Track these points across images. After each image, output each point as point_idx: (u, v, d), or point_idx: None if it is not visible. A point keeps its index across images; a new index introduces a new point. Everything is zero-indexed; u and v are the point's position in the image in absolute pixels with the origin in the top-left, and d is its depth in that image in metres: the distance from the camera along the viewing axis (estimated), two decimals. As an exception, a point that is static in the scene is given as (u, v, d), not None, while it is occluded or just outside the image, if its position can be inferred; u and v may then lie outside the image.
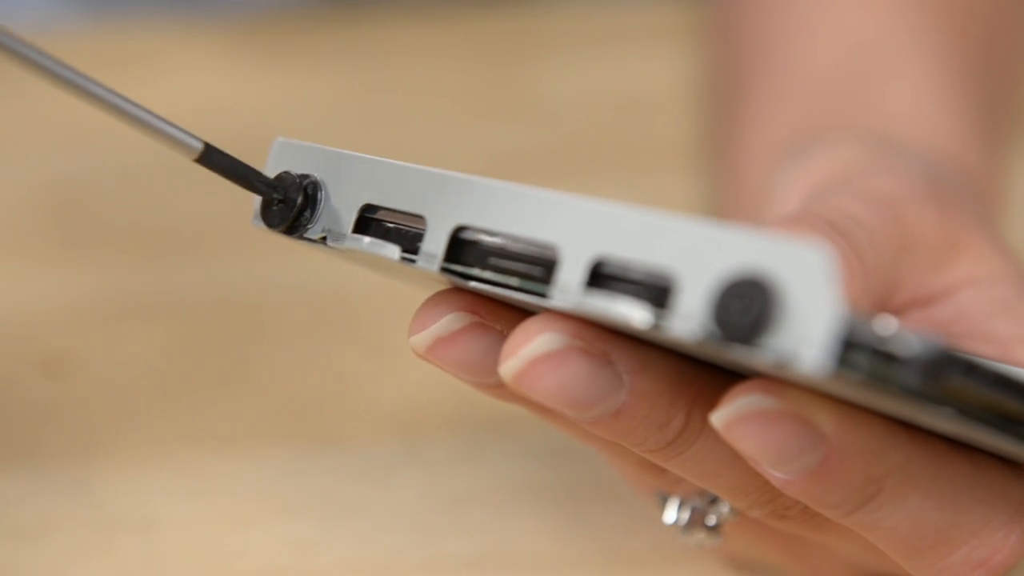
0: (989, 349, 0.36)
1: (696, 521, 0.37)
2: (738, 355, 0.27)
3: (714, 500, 0.37)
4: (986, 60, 0.50)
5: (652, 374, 0.31)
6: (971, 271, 0.36)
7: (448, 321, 0.32)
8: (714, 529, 0.37)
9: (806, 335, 0.26)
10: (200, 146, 0.31)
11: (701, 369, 0.32)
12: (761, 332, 0.26)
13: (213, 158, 0.31)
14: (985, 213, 0.41)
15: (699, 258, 0.27)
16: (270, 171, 0.33)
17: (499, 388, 0.32)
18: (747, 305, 0.26)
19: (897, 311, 0.37)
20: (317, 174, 0.33)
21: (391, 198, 0.32)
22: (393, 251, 0.32)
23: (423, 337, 0.33)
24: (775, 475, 0.31)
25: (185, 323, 0.51)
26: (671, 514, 0.37)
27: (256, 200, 0.33)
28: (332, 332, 0.51)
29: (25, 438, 0.46)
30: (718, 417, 0.30)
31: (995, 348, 0.36)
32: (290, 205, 0.33)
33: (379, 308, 0.50)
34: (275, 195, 0.33)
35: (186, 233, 0.56)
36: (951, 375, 0.27)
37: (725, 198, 0.50)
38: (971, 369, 0.27)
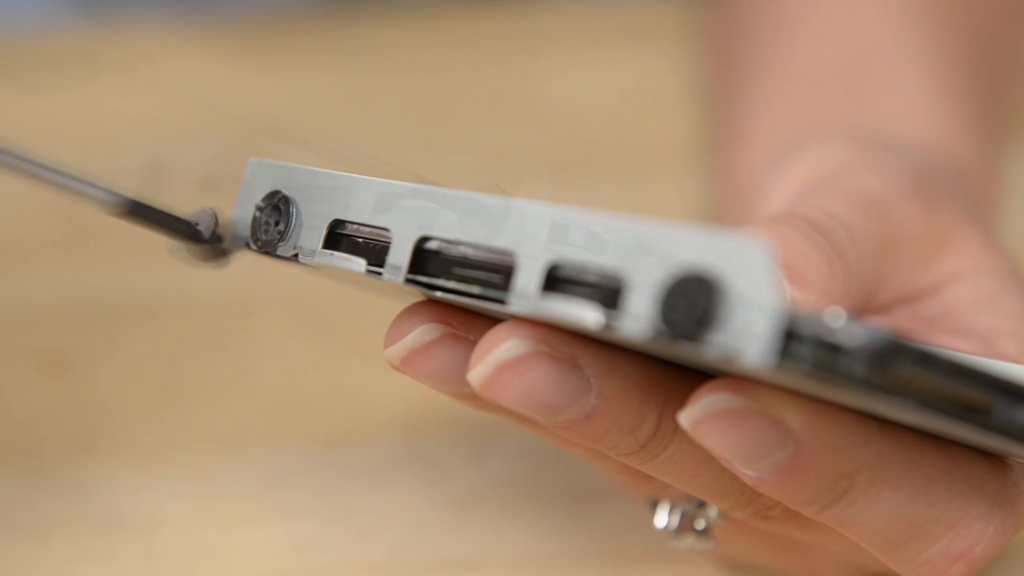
0: (974, 343, 0.36)
1: (686, 525, 0.37)
2: (687, 352, 0.27)
3: (703, 504, 0.37)
4: (985, 60, 0.50)
5: (620, 377, 0.31)
6: (958, 266, 0.37)
7: (420, 332, 0.33)
8: (704, 532, 0.37)
9: (750, 329, 0.26)
10: (119, 200, 0.30)
11: (671, 371, 0.32)
12: (706, 328, 0.27)
13: (138, 212, 0.31)
14: (978, 209, 0.42)
15: (646, 258, 0.27)
16: (247, 189, 0.34)
17: (475, 398, 0.32)
18: (692, 302, 0.27)
19: (884, 308, 0.37)
20: (289, 192, 0.33)
21: (358, 212, 0.32)
22: (359, 265, 0.32)
23: (397, 350, 0.33)
24: (747, 473, 0.31)
25: (184, 323, 0.51)
26: (661, 519, 0.37)
27: (234, 217, 0.34)
28: (331, 332, 0.51)
29: (25, 438, 0.46)
30: (685, 417, 0.30)
31: (980, 342, 0.36)
32: (263, 225, 0.33)
33: (378, 309, 0.50)
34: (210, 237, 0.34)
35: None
36: (901, 364, 0.27)
37: (721, 199, 0.50)
38: (924, 359, 0.28)
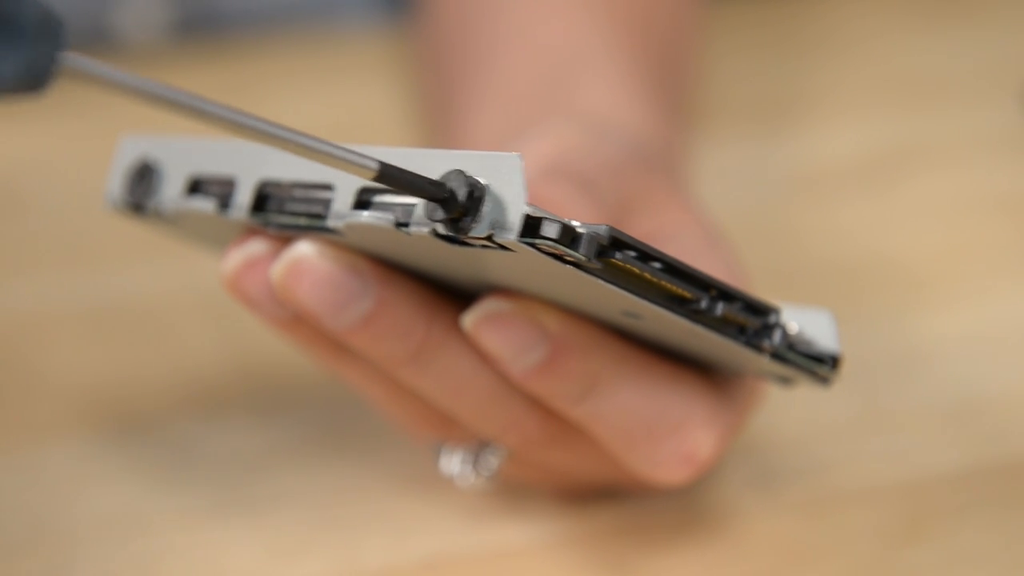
0: None
1: (469, 466, 0.42)
2: (468, 228, 0.33)
3: (484, 447, 0.42)
4: (665, 61, 0.56)
5: (394, 288, 0.37)
6: (663, 224, 0.42)
7: (252, 245, 0.38)
8: (486, 473, 0.42)
9: (506, 215, 0.32)
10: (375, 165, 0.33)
11: (438, 296, 0.38)
12: (477, 211, 0.32)
13: (389, 175, 0.33)
14: (677, 177, 0.48)
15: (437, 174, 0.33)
16: (119, 162, 0.40)
17: (293, 326, 0.38)
18: (466, 195, 0.33)
19: None
20: (152, 160, 0.39)
21: (210, 167, 0.38)
22: (208, 204, 0.38)
23: (232, 262, 0.38)
24: (514, 371, 0.37)
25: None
26: (446, 463, 0.43)
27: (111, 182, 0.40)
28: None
29: None
30: (469, 319, 0.37)
31: None
32: (135, 190, 0.39)
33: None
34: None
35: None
36: (621, 254, 0.34)
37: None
38: (642, 254, 0.34)
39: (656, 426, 0.39)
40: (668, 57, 0.57)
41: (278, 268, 0.37)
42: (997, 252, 0.57)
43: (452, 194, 0.33)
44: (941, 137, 0.64)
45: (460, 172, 0.33)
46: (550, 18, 0.56)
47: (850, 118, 0.66)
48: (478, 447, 0.42)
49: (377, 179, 0.32)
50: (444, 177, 0.33)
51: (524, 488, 0.45)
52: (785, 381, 0.40)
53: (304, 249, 0.37)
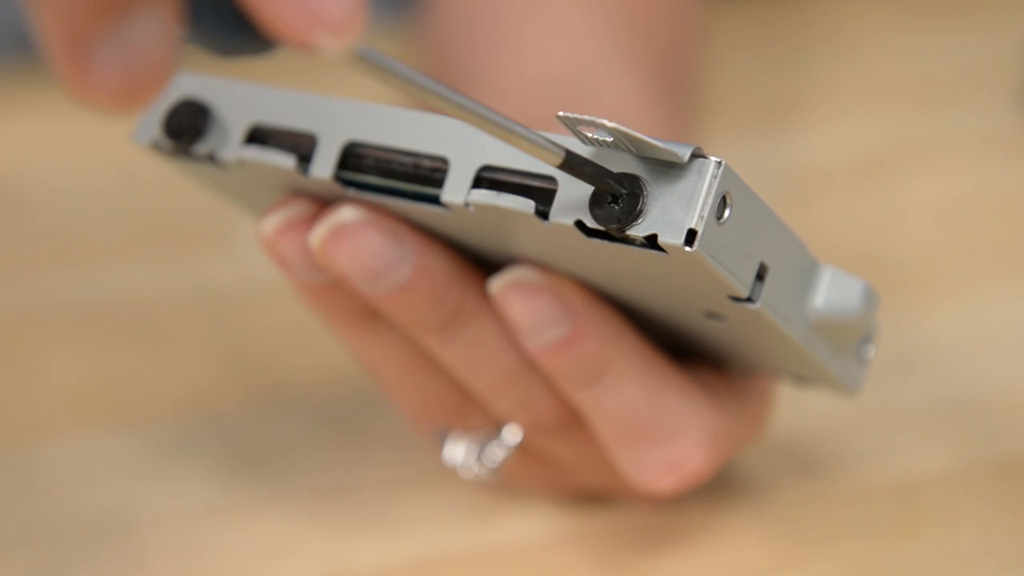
0: None
1: (473, 457, 0.42)
2: (628, 225, 0.33)
3: (490, 438, 0.42)
4: (668, 62, 0.56)
5: (433, 257, 0.37)
6: None
7: (295, 206, 0.38)
8: (490, 464, 0.42)
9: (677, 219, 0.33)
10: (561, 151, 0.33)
11: (473, 267, 0.38)
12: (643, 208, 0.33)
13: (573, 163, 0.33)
14: None
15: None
16: (164, 97, 0.36)
17: (323, 292, 0.38)
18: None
19: None
20: (206, 100, 0.37)
21: (281, 120, 0.36)
22: (288, 160, 0.36)
23: (272, 221, 0.38)
24: (531, 345, 0.37)
25: None
26: (450, 451, 0.43)
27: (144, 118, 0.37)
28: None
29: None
30: (497, 284, 0.37)
31: None
32: (178, 127, 0.36)
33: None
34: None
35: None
36: None
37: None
38: None
39: (652, 428, 0.39)
40: (671, 58, 0.57)
41: (319, 232, 0.37)
42: (994, 252, 0.57)
43: (630, 192, 0.32)
44: (939, 137, 0.64)
45: (637, 177, 0.33)
46: (554, 22, 0.56)
47: (848, 118, 0.66)
48: (485, 437, 0.42)
49: (561, 165, 0.32)
50: (621, 176, 0.33)
51: (521, 490, 0.45)
52: (800, 380, 0.40)
53: (348, 214, 0.37)
